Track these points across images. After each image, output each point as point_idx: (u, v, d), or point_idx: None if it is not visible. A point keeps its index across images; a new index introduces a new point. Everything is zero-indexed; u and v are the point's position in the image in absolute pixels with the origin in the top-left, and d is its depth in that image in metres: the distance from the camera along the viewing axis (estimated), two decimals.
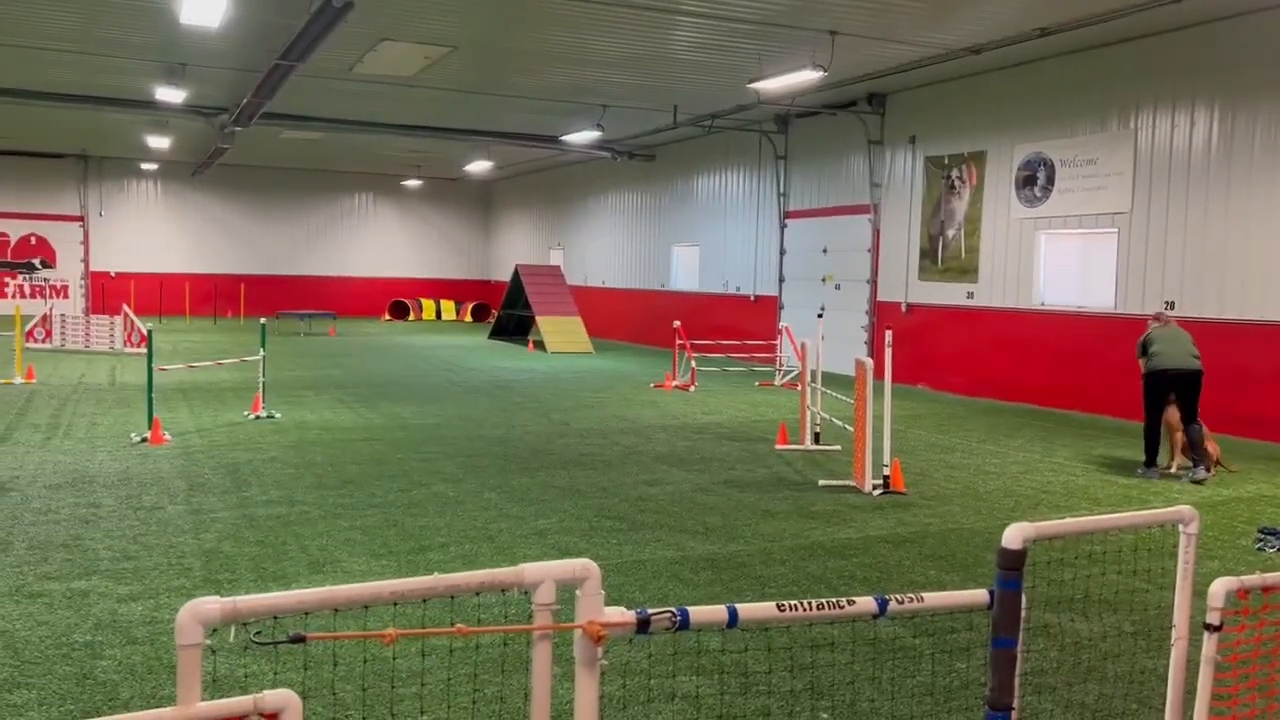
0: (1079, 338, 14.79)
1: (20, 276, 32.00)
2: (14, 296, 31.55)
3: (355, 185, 36.90)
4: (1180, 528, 3.56)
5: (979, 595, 3.10)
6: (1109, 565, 6.40)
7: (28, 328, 20.29)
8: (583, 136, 22.71)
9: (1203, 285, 13.06)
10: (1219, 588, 3.24)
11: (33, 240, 32.68)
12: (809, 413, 11.30)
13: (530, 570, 2.63)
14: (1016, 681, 3.08)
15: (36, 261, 31.96)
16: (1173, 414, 10.13)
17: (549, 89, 18.57)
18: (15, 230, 32.42)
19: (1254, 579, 3.28)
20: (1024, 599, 3.07)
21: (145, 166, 33.27)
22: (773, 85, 15.76)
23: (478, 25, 14.14)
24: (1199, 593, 3.51)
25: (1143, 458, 10.25)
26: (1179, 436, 10.13)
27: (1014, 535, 3.05)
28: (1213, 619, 3.25)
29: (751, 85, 16.23)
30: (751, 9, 12.79)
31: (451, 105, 20.62)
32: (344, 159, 32.14)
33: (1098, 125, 14.47)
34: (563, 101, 19.75)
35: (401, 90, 18.94)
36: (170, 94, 18.47)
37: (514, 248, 36.17)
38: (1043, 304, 15.47)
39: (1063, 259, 15.33)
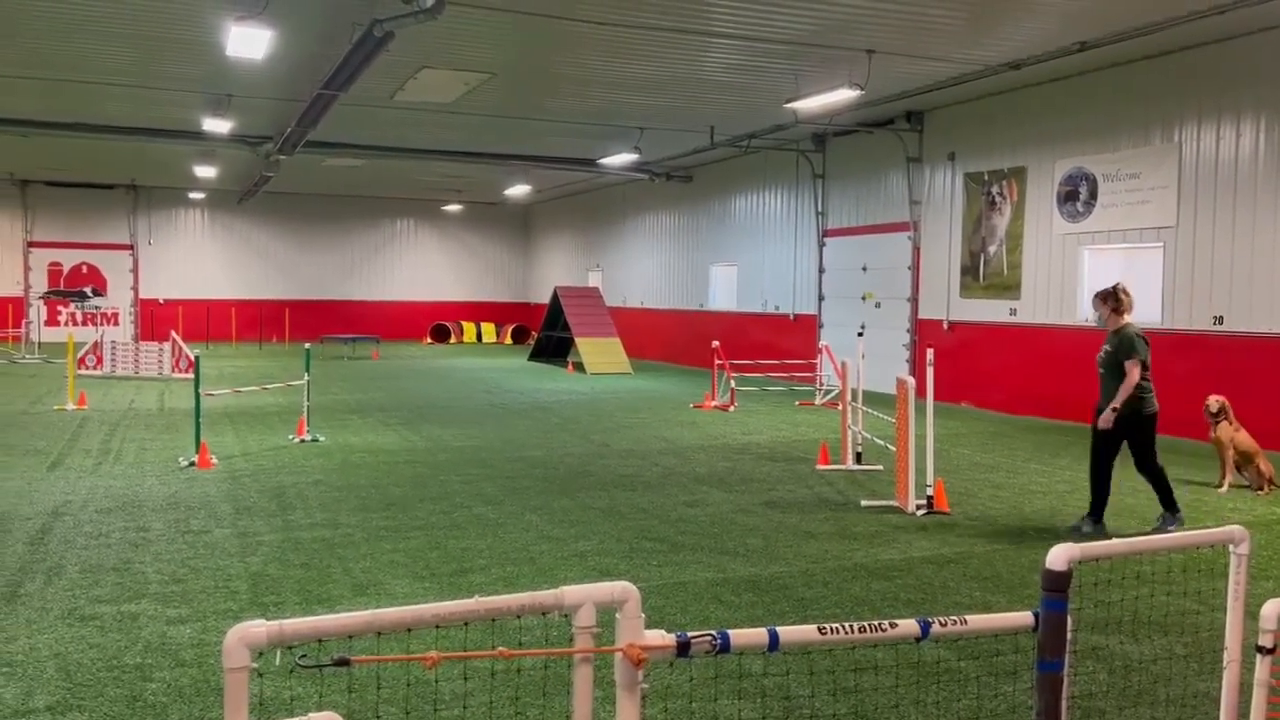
0: None
1: (73, 305, 32.74)
2: (67, 324, 32.26)
3: (397, 211, 37.38)
4: (1230, 548, 3.49)
5: (1024, 618, 3.06)
6: (1158, 586, 6.27)
7: (80, 355, 20.73)
8: (620, 159, 22.84)
9: (1252, 299, 12.81)
10: (1271, 609, 3.17)
11: (84, 269, 33.46)
12: (850, 432, 11.22)
13: (570, 593, 2.65)
14: (1064, 705, 3.03)
15: (88, 290, 32.69)
16: (1225, 430, 9.92)
17: (586, 113, 18.71)
18: (68, 259, 33.22)
19: None
20: (1070, 621, 3.02)
21: (193, 195, 33.97)
22: (809, 105, 15.76)
23: (515, 52, 14.31)
24: (1252, 614, 3.44)
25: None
26: (1230, 454, 9.91)
27: (1059, 556, 3.02)
28: (1265, 641, 3.18)
29: (788, 105, 16.24)
30: (787, 30, 12.82)
31: (491, 130, 20.85)
32: (385, 185, 32.59)
33: (1140, 139, 14.29)
34: (600, 125, 19.89)
35: (441, 116, 19.20)
36: (217, 124, 18.89)
37: (553, 270, 36.38)
38: (1087, 320, 15.24)
39: (1107, 274, 15.10)
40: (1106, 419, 8.03)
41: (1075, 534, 8.12)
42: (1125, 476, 10.77)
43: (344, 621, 2.44)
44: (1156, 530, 8.28)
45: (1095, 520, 8.29)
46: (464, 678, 4.85)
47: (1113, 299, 8.28)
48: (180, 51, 14.34)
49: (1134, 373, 7.95)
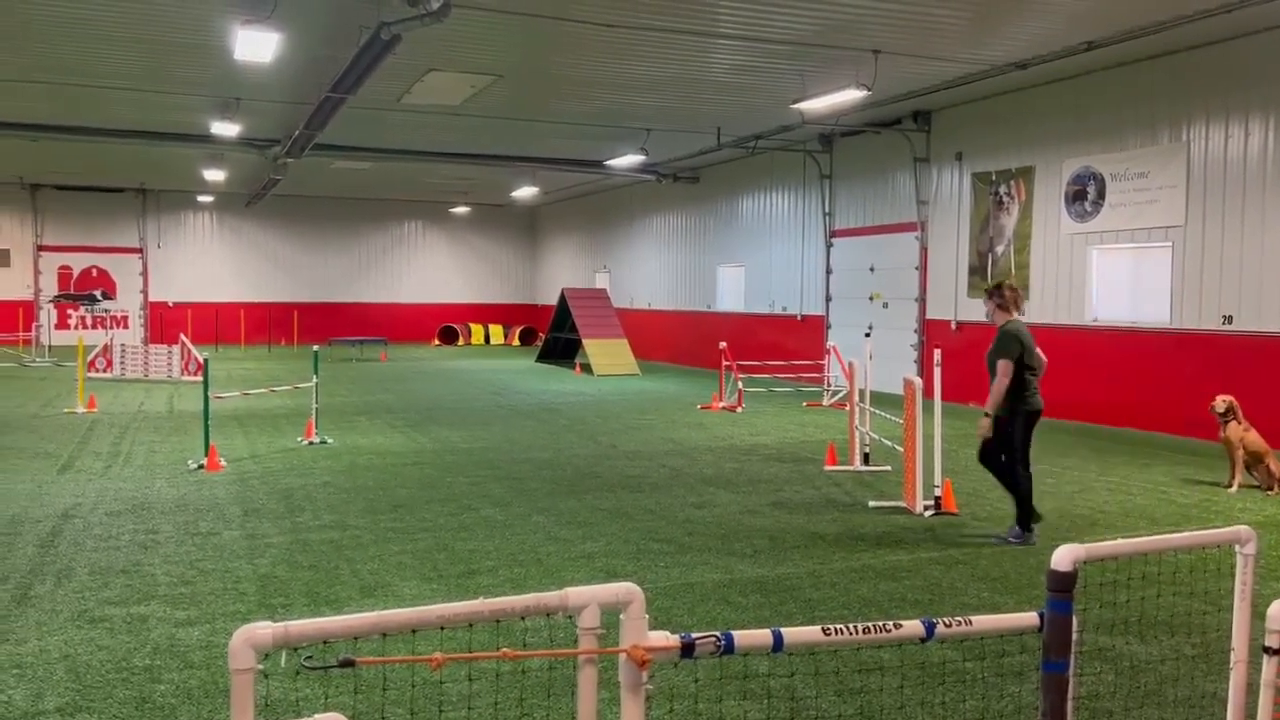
0: (1133, 354, 14.52)
1: (83, 308, 32.88)
2: (76, 328, 32.40)
3: (404, 213, 37.46)
4: (1237, 548, 3.48)
5: (1029, 618, 3.06)
6: (1165, 587, 6.26)
7: (89, 358, 20.81)
8: (627, 160, 22.85)
9: (1262, 298, 12.76)
10: (1278, 609, 3.16)
11: (94, 273, 33.59)
12: (858, 433, 11.21)
13: (574, 594, 2.65)
14: (1069, 706, 3.03)
15: (98, 293, 32.82)
16: (1234, 429, 9.89)
17: (593, 114, 18.73)
18: (78, 263, 33.36)
19: None
20: (1075, 621, 3.02)
21: (201, 199, 34.09)
22: (816, 105, 15.75)
23: (521, 54, 14.34)
24: (1259, 614, 3.43)
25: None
26: (1240, 454, 9.88)
27: (1063, 557, 3.01)
28: (1272, 642, 3.17)
29: (794, 106, 16.22)
30: (791, 30, 12.81)
31: (497, 132, 20.88)
32: (393, 187, 32.66)
33: (1148, 138, 14.25)
34: (607, 126, 19.90)
35: (448, 119, 19.23)
36: (225, 128, 18.94)
37: (560, 271, 36.42)
38: (1095, 320, 15.21)
39: (1115, 274, 15.08)
40: (983, 427, 7.81)
41: (998, 540, 7.90)
42: (1127, 478, 10.75)
43: (349, 623, 2.45)
44: (995, 537, 7.92)
45: (1026, 527, 7.91)
46: (469, 679, 4.86)
47: (997, 295, 8.13)
48: (188, 55, 14.39)
49: (1003, 377, 7.78)
